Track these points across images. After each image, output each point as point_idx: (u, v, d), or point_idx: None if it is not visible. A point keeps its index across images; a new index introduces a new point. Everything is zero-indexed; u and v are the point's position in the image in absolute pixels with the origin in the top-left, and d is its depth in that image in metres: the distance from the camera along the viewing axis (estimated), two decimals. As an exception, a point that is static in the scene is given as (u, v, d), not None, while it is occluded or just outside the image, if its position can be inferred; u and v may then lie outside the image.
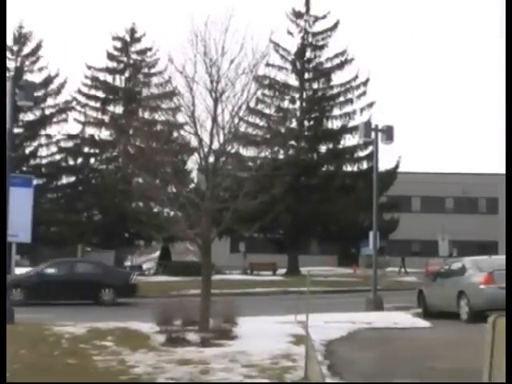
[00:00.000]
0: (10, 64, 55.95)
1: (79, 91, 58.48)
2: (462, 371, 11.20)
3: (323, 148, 55.26)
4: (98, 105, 58.58)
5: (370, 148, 46.29)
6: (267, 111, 51.94)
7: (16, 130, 46.58)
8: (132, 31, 59.43)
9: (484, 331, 9.12)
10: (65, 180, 59.16)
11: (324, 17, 55.67)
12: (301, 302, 15.67)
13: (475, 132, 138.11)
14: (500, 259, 23.98)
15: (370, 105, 54.16)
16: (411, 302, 25.11)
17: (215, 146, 16.71)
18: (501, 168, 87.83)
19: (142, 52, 59.26)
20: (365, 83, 54.73)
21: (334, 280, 44.96)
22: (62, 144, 58.16)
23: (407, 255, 60.73)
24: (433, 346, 15.02)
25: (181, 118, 17.42)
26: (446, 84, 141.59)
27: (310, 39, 55.66)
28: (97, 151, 58.56)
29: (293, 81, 55.24)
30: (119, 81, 59.00)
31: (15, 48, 57.70)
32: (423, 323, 19.97)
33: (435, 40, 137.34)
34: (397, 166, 54.46)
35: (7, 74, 41.83)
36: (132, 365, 11.94)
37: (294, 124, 54.17)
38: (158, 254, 64.21)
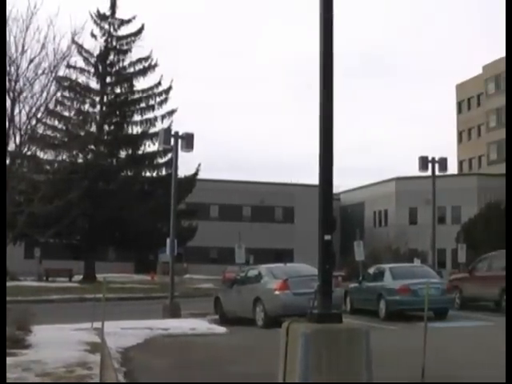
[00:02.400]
0: None
1: None
2: (258, 375, 11.39)
3: (123, 153, 54.76)
4: None
5: (170, 155, 46.35)
6: (67, 114, 50.73)
7: None
8: None
9: (278, 336, 9.32)
10: None
11: (129, 21, 55.22)
12: (97, 309, 15.35)
13: (274, 142, 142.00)
14: (295, 266, 24.82)
15: (171, 112, 54.33)
16: (208, 308, 25.33)
17: (11, 147, 16.06)
18: (297, 178, 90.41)
19: None
20: (167, 90, 54.83)
21: (132, 287, 44.63)
22: None
23: (205, 262, 61.28)
24: (229, 352, 15.19)
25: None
26: (244, 92, 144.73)
27: (114, 43, 55.04)
28: None
29: (94, 84, 54.43)
30: None
31: None
32: (220, 329, 20.16)
33: (230, 50, 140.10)
34: (196, 174, 54.91)
35: None
36: None
37: (93, 128, 53.31)
38: None
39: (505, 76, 77.98)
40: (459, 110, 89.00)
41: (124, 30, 55.45)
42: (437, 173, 37.71)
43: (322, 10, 9.23)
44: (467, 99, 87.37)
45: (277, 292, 20.69)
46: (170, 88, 54.84)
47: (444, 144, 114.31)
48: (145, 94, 54.87)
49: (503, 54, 78.40)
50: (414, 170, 40.99)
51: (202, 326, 21.03)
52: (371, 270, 26.78)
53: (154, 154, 54.46)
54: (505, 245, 42.18)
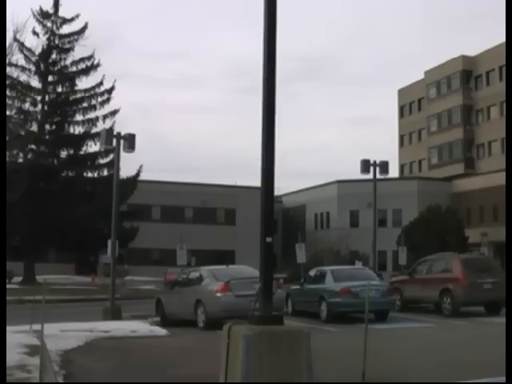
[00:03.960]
0: None
1: None
2: (200, 377, 11.39)
3: (64, 153, 54.18)
4: None
5: (112, 155, 45.97)
6: (8, 112, 49.98)
7: None
8: None
9: (220, 338, 9.33)
10: None
11: (72, 19, 54.63)
12: (36, 311, 15.15)
13: (216, 144, 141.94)
14: (237, 268, 24.82)
15: (114, 112, 53.96)
16: (150, 310, 25.19)
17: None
18: (238, 180, 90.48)
19: None
20: (109, 91, 54.44)
21: (72, 288, 44.15)
22: None
23: (147, 264, 60.91)
24: (171, 354, 15.14)
25: None
26: (187, 93, 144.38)
27: (57, 41, 54.40)
28: None
29: (36, 83, 53.73)
30: None
31: None
32: (162, 331, 20.07)
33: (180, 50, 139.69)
34: (138, 175, 54.59)
35: None
36: None
37: (34, 127, 52.66)
38: None
39: (446, 81, 79.36)
40: (401, 115, 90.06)
41: (67, 29, 54.98)
42: (378, 176, 38.09)
43: (266, 15, 9.25)
44: (409, 104, 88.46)
45: (218, 294, 20.67)
46: (112, 88, 54.49)
47: (386, 148, 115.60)
48: (87, 94, 54.37)
49: (445, 59, 79.81)
50: (355, 173, 41.32)
51: (143, 328, 20.91)
52: (312, 273, 26.90)
53: (95, 155, 54.00)
54: (444, 247, 42.70)
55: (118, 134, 27.56)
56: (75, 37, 54.66)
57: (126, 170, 47.54)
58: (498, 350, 15.06)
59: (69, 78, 54.32)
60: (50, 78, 54.38)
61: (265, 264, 9.06)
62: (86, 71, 54.55)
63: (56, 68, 54.47)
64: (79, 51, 54.51)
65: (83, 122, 53.98)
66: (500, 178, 65.05)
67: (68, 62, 54.55)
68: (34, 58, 53.32)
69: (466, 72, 77.52)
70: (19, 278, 51.35)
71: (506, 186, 10.64)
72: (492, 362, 13.10)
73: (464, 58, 77.62)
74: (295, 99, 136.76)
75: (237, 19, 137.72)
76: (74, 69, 54.63)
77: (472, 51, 77.83)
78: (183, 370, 12.70)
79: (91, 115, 54.10)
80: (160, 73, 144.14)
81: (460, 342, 17.24)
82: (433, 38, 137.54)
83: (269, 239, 9.00)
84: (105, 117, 53.79)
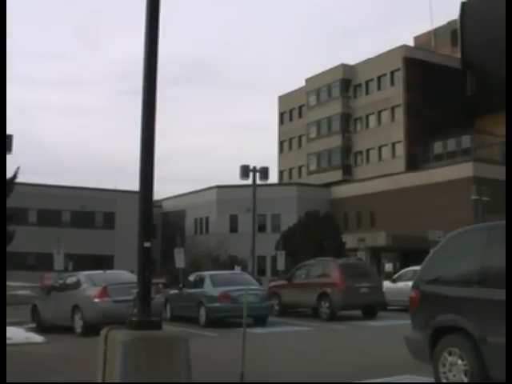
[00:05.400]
0: None
1: None
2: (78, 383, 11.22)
3: None
4: None
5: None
6: None
7: None
8: None
9: (97, 344, 9.20)
10: None
11: None
12: None
13: (95, 147, 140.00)
14: (115, 273, 24.50)
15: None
16: (25, 316, 24.57)
17: None
18: (119, 185, 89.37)
19: None
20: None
21: None
22: None
23: (23, 268, 59.38)
24: (48, 361, 14.81)
25: None
26: (66, 95, 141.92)
27: None
28: None
29: None
30: None
31: None
32: (38, 338, 19.58)
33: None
34: (14, 177, 53.17)
35: None
36: None
37: None
38: None
39: (327, 89, 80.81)
40: (281, 121, 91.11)
41: None
42: (258, 182, 38.46)
43: (149, 19, 9.15)
44: (289, 110, 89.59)
45: (96, 299, 20.38)
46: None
47: (267, 154, 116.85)
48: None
49: (324, 68, 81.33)
50: (236, 179, 41.59)
51: (18, 335, 20.35)
52: (192, 278, 26.88)
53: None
54: (321, 252, 43.50)
55: (-6, 134, 26.80)
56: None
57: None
58: (376, 352, 15.47)
59: None
60: None
61: (143, 269, 8.98)
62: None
63: None
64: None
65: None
66: (376, 185, 66.95)
67: None
68: None
69: (346, 81, 79.15)
70: None
71: (506, 185, 10.97)
72: (370, 363, 13.42)
73: (344, 66, 79.26)
74: (177, 103, 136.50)
75: (123, 21, 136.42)
76: None
77: (353, 60, 79.66)
78: (60, 377, 12.46)
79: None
80: (38, 72, 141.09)
81: (338, 345, 17.58)
82: (315, 47, 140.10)
83: (147, 244, 8.92)
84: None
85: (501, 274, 8.88)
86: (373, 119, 76.66)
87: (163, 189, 73.31)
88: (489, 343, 8.79)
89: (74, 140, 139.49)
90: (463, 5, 77.18)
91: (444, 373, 9.49)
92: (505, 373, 8.23)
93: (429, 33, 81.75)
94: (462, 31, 77.40)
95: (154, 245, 9.26)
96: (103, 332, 9.07)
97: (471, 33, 75.44)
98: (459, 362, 9.26)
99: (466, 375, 9.14)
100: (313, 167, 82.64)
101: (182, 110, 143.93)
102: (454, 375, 9.32)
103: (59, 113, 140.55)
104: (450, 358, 9.42)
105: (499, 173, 57.71)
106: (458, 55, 77.25)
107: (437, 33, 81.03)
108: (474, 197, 49.76)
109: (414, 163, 70.05)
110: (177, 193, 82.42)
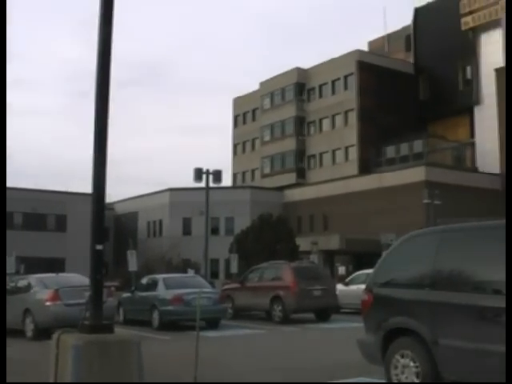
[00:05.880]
0: None
1: None
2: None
3: None
4: None
5: None
6: None
7: None
8: None
9: (49, 348, 9.09)
10: None
11: None
12: None
13: (47, 149, 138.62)
14: (67, 276, 24.24)
15: None
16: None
17: None
18: (71, 187, 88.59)
19: None
20: None
21: None
22: None
23: None
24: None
25: None
26: (17, 96, 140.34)
27: None
28: None
29: None
30: None
31: None
32: (-14, 342, 19.30)
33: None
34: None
35: None
36: None
37: None
38: None
39: (281, 93, 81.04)
40: (235, 124, 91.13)
41: None
42: (211, 184, 38.42)
43: (102, 22, 9.09)
44: (243, 114, 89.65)
45: (47, 303, 20.14)
46: None
47: (220, 157, 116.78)
48: None
49: (279, 71, 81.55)
50: (190, 182, 41.50)
51: (-34, 338, 20.05)
52: (144, 281, 26.74)
53: None
54: (275, 255, 43.55)
55: None
56: None
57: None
58: (328, 354, 15.54)
59: None
60: None
61: (95, 272, 8.91)
62: None
63: None
64: None
65: None
66: (329, 189, 67.28)
67: None
68: None
69: (300, 84, 79.42)
70: None
71: (506, 186, 11.08)
72: (321, 366, 13.47)
73: (298, 70, 79.51)
74: (130, 105, 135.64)
75: (76, 22, 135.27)
76: None
77: (307, 64, 79.97)
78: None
79: None
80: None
81: (289, 348, 17.62)
82: (270, 51, 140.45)
83: (99, 246, 8.86)
84: None
85: (452, 276, 8.99)
86: (326, 123, 77.02)
87: (116, 191, 72.88)
88: (440, 345, 8.89)
89: (27, 141, 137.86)
90: (416, 10, 77.97)
91: (396, 375, 9.57)
92: (458, 374, 8.32)
93: (383, 38, 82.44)
94: (414, 37, 78.17)
95: (106, 247, 9.21)
96: (55, 336, 8.97)
97: (424, 38, 76.24)
98: (411, 364, 9.34)
99: (417, 377, 9.22)
100: (266, 170, 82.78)
101: (135, 113, 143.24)
102: (406, 377, 9.40)
103: (9, 113, 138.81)
104: (402, 361, 9.50)
105: (451, 177, 58.75)
106: (412, 60, 78.03)
107: (391, 38, 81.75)
108: (425, 200, 50.22)
109: (366, 167, 70.52)
110: (130, 195, 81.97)
